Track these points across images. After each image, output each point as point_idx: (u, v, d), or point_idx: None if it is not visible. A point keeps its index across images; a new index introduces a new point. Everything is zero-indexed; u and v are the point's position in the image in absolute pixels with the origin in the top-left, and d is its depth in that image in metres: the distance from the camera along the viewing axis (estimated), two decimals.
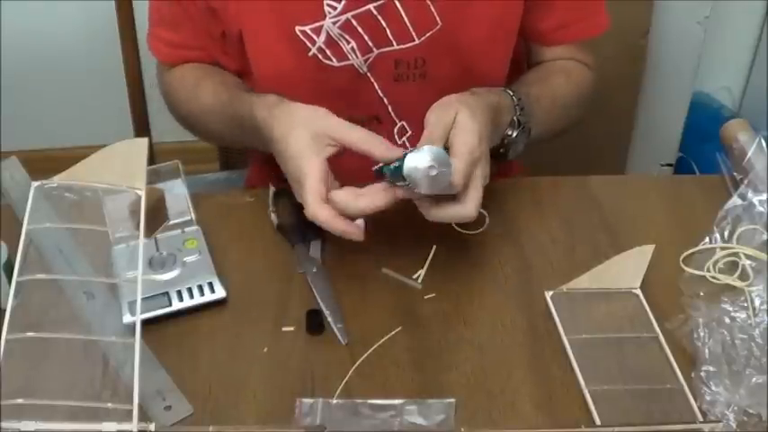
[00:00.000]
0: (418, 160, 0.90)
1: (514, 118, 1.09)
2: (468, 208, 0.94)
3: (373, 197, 0.96)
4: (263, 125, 1.03)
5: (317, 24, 1.13)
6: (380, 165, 0.98)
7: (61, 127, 2.31)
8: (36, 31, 2.21)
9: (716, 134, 1.21)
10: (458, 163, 0.93)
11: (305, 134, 0.98)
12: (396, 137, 1.24)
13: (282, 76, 1.17)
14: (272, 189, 1.12)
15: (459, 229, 1.07)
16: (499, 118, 1.06)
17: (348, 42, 1.15)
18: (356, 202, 0.96)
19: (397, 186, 0.95)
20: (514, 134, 1.09)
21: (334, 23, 1.13)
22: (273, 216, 1.10)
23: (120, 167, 0.85)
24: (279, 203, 1.12)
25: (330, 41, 1.15)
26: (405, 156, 0.91)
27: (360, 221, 0.97)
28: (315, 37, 1.14)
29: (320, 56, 1.15)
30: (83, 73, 2.27)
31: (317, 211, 0.94)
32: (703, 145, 1.75)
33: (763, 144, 1.14)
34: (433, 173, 0.90)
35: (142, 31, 1.49)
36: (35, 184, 0.82)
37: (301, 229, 1.08)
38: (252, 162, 1.44)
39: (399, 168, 0.92)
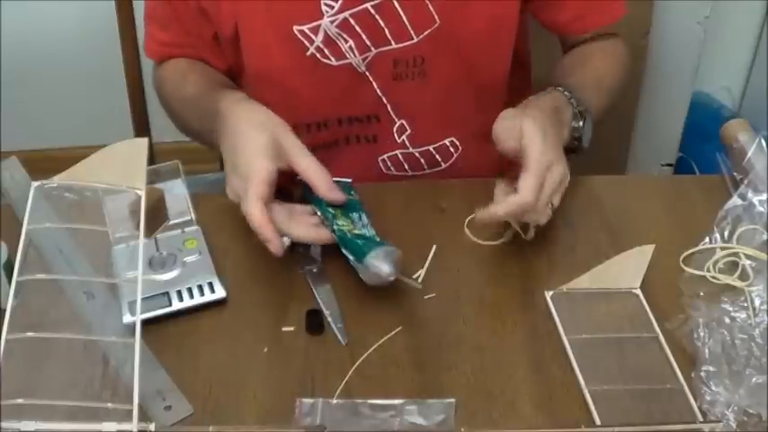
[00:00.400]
0: (381, 268, 0.95)
1: (575, 111, 1.10)
2: (537, 215, 0.99)
3: (307, 230, 0.99)
4: (223, 113, 1.03)
5: (315, 24, 1.13)
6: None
7: (61, 127, 2.31)
8: (36, 30, 2.21)
9: (716, 134, 1.21)
10: (529, 178, 0.96)
11: (265, 136, 0.98)
12: (395, 135, 1.24)
13: (280, 75, 1.17)
14: None
15: (475, 239, 1.07)
16: (562, 116, 1.08)
17: (346, 41, 1.14)
18: (288, 224, 0.97)
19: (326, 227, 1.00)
20: (581, 124, 1.10)
21: (331, 22, 1.13)
22: None
23: (120, 167, 0.85)
24: None
25: (328, 41, 1.15)
26: (363, 249, 0.96)
27: (286, 239, 0.98)
28: (313, 36, 1.14)
29: (318, 55, 1.15)
30: (83, 73, 2.27)
31: (254, 208, 0.94)
32: (703, 145, 1.74)
33: (764, 144, 1.14)
34: (391, 279, 0.95)
35: (142, 31, 1.48)
36: (35, 184, 0.82)
37: None
38: None
39: (345, 241, 0.98)
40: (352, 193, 1.09)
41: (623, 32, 1.30)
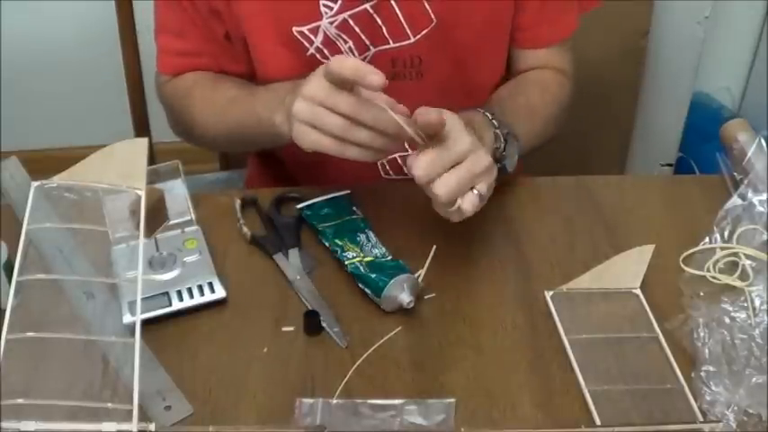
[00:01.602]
0: (400, 299, 0.97)
1: (496, 132, 1.06)
2: (438, 187, 0.91)
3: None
4: (287, 86, 1.03)
5: (314, 25, 1.14)
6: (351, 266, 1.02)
7: (61, 127, 2.31)
8: (36, 31, 2.21)
9: (716, 134, 1.21)
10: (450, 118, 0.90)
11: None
12: None
13: (282, 77, 1.17)
14: (237, 201, 1.12)
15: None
16: (481, 133, 1.03)
17: (346, 42, 1.15)
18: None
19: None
20: (502, 146, 1.06)
21: (330, 23, 1.13)
22: (245, 229, 1.09)
23: (120, 167, 0.85)
24: (247, 216, 1.12)
25: (328, 41, 1.15)
26: (377, 278, 0.98)
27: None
28: (312, 37, 1.14)
29: (318, 56, 1.16)
30: (83, 73, 2.27)
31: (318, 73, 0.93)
32: (703, 145, 1.75)
33: (764, 144, 1.14)
34: (411, 306, 0.97)
35: (142, 32, 1.49)
36: (35, 183, 0.82)
37: (276, 238, 1.08)
38: (251, 162, 1.44)
39: (359, 276, 1.00)
40: (354, 209, 1.09)
41: (622, 33, 1.29)
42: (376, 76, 0.88)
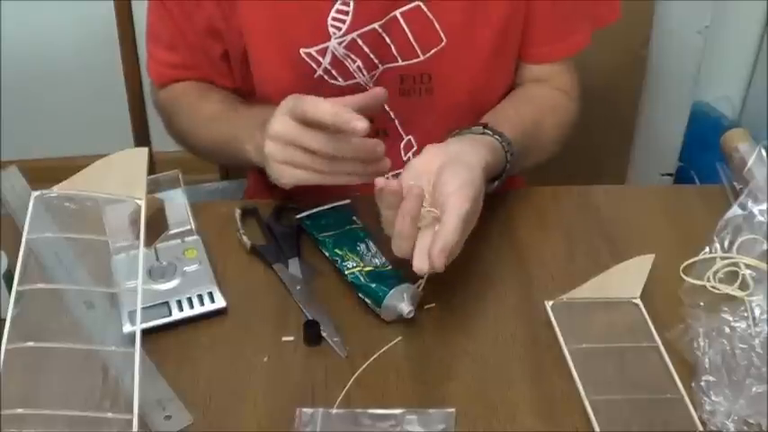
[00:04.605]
0: (400, 308, 0.97)
1: (500, 174, 1.06)
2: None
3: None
4: (258, 118, 1.02)
5: (323, 46, 1.13)
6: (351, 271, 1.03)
7: (61, 137, 2.31)
8: (36, 40, 2.21)
9: (716, 144, 1.21)
10: (453, 221, 0.90)
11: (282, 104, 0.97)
12: (402, 152, 1.23)
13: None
14: (237, 211, 1.12)
15: None
16: (491, 175, 1.03)
17: (354, 61, 1.14)
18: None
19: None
20: (495, 184, 1.06)
21: (339, 44, 1.13)
22: (245, 239, 1.09)
23: (120, 177, 0.85)
24: (247, 225, 1.12)
25: (336, 62, 1.14)
26: (378, 288, 0.98)
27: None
28: (320, 58, 1.14)
29: (326, 76, 1.15)
30: (83, 83, 2.28)
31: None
32: (703, 154, 1.74)
33: (764, 154, 1.14)
34: (411, 315, 0.97)
35: (142, 42, 1.49)
36: (35, 193, 0.82)
37: (276, 248, 1.08)
38: (251, 173, 1.44)
39: (359, 287, 1.00)
40: (354, 218, 1.09)
41: (623, 42, 1.29)
42: (359, 123, 0.88)
